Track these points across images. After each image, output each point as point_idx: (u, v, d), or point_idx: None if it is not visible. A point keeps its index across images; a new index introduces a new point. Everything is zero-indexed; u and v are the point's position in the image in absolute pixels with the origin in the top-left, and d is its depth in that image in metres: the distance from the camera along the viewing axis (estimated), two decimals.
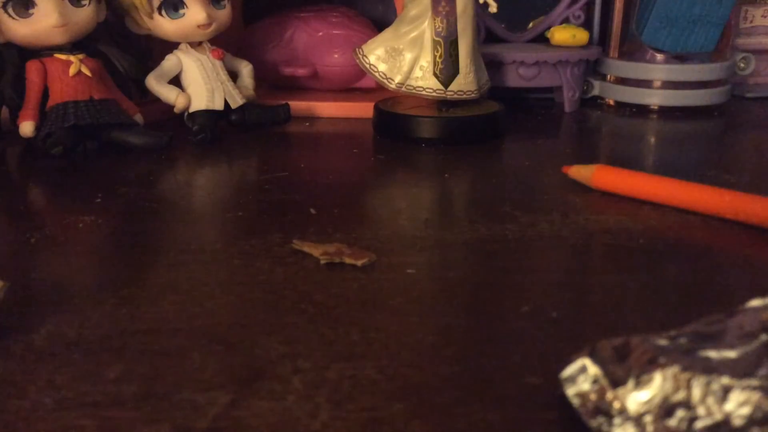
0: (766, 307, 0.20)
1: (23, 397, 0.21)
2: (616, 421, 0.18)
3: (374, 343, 0.24)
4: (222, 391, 0.21)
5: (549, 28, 0.65)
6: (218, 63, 0.52)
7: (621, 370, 0.19)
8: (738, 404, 0.17)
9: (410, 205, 0.38)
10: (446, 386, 0.21)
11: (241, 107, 0.52)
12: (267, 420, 0.20)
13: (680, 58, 0.62)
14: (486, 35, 0.66)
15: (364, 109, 0.57)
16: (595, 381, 0.19)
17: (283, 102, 0.55)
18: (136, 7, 0.50)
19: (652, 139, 0.55)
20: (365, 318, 0.25)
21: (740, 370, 0.17)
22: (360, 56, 0.52)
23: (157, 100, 0.52)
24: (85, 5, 0.47)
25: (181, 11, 0.50)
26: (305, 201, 0.38)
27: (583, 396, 0.19)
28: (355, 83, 0.62)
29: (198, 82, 0.51)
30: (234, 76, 0.55)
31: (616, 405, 0.18)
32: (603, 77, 0.64)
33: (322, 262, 0.30)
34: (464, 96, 0.51)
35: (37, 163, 0.46)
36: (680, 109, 0.61)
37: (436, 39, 0.50)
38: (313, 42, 0.61)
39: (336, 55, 0.61)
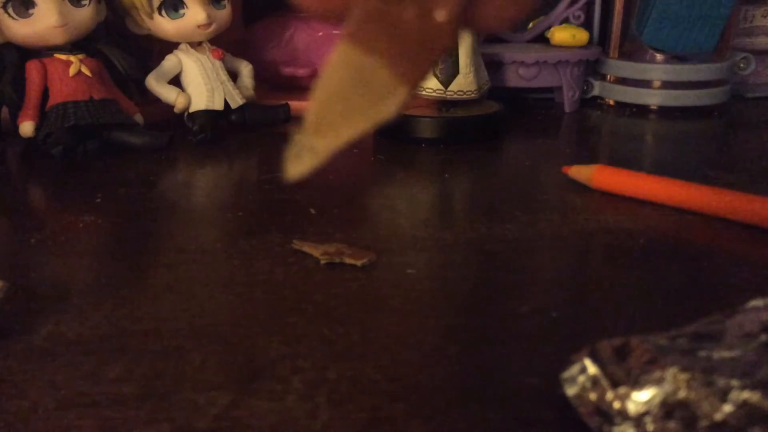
0: (766, 307, 0.20)
1: (23, 397, 0.21)
2: (616, 421, 0.18)
3: (374, 343, 0.24)
4: (222, 391, 0.21)
5: (549, 28, 0.65)
6: (218, 63, 0.52)
7: (621, 370, 0.19)
8: (738, 404, 0.17)
9: (410, 205, 0.38)
10: (446, 386, 0.21)
11: (241, 107, 0.52)
12: (267, 420, 0.20)
13: (680, 58, 0.61)
14: (486, 35, 0.66)
15: None
16: (595, 381, 0.19)
17: (283, 102, 0.55)
18: (136, 7, 0.50)
19: (652, 139, 0.55)
20: (365, 318, 0.25)
21: (740, 370, 0.17)
22: None
23: (157, 100, 0.52)
24: (85, 5, 0.47)
25: (181, 11, 0.50)
26: (305, 201, 0.38)
27: (583, 396, 0.19)
28: None
29: (198, 82, 0.51)
30: (234, 76, 0.54)
31: (616, 405, 0.18)
32: (603, 77, 0.64)
33: (322, 262, 0.30)
34: (464, 96, 0.51)
35: (37, 163, 0.46)
36: (680, 109, 0.61)
37: None
38: (313, 42, 0.61)
39: None
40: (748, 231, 0.33)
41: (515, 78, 0.61)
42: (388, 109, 0.13)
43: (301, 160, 0.12)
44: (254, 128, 0.54)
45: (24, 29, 0.46)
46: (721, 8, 0.59)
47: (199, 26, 0.50)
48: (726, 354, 0.18)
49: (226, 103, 0.52)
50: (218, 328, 0.25)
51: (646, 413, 0.18)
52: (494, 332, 0.25)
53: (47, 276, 0.29)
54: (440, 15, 0.12)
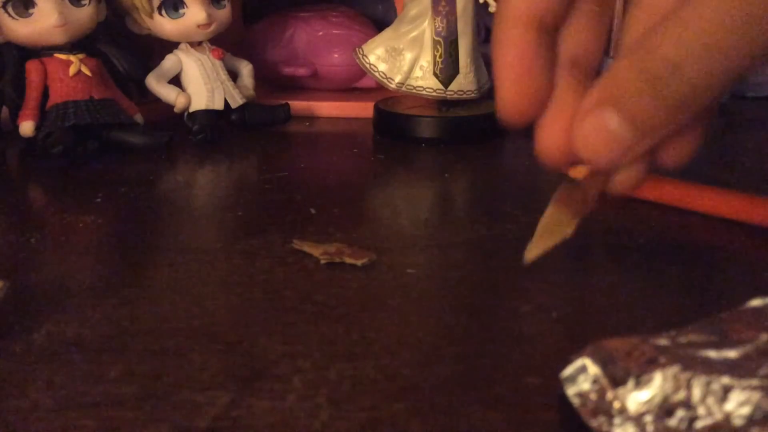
0: (766, 307, 0.20)
1: (23, 397, 0.21)
2: (616, 421, 0.18)
3: (374, 343, 0.24)
4: (222, 391, 0.21)
5: None
6: (218, 63, 0.52)
7: (621, 370, 0.19)
8: (738, 404, 0.17)
9: (410, 205, 0.38)
10: (446, 386, 0.21)
11: (241, 107, 0.52)
12: (267, 420, 0.20)
13: None
14: (486, 35, 0.66)
15: (364, 109, 0.57)
16: (595, 381, 0.19)
17: (283, 102, 0.55)
18: (136, 6, 0.50)
19: None
20: (365, 318, 0.25)
21: (740, 370, 0.17)
22: (360, 56, 0.52)
23: (157, 100, 0.52)
24: (85, 5, 0.47)
25: (181, 11, 0.50)
26: (305, 201, 0.38)
27: (583, 396, 0.19)
28: (355, 83, 0.62)
29: (198, 82, 0.51)
30: (234, 76, 0.55)
31: (616, 405, 0.18)
32: None
33: (322, 262, 0.30)
34: (464, 96, 0.51)
35: (37, 163, 0.46)
36: None
37: (436, 39, 0.50)
38: (313, 42, 0.61)
39: (336, 55, 0.61)
40: (748, 231, 0.33)
41: None
42: (567, 231, 0.25)
43: (530, 254, 0.25)
44: (254, 128, 0.54)
45: (24, 29, 0.45)
46: None
47: (199, 26, 0.50)
48: (726, 354, 0.18)
49: (226, 103, 0.52)
50: (218, 328, 0.25)
51: (646, 413, 0.18)
52: (494, 332, 0.25)
53: (47, 276, 0.29)
54: (591, 197, 0.25)
